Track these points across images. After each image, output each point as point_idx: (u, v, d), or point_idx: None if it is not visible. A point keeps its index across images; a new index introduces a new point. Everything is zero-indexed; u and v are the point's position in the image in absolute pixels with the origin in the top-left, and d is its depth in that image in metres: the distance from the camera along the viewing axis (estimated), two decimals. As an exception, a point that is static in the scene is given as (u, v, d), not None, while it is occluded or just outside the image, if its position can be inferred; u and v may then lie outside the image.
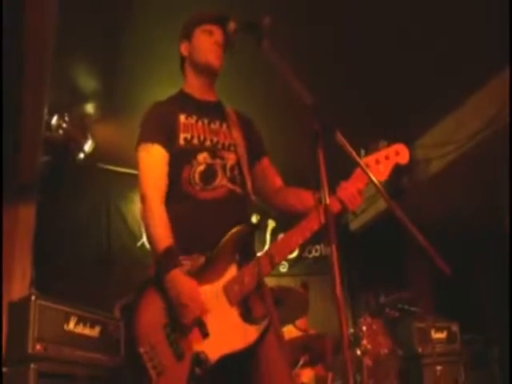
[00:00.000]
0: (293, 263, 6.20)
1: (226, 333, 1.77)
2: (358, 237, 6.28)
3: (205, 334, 1.77)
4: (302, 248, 6.28)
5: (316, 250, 6.40)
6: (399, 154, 2.01)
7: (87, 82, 4.40)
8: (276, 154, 2.35)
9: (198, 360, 1.72)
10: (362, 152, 1.99)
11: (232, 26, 1.97)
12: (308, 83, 1.67)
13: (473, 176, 5.07)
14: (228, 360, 1.74)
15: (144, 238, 5.19)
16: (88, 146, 4.76)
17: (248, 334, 1.77)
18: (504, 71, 4.31)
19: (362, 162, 1.92)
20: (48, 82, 3.52)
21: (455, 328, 4.60)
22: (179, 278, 1.79)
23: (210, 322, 1.78)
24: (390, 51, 4.02)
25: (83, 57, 4.13)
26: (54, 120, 4.44)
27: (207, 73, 2.15)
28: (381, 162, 1.99)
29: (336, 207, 1.91)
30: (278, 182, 2.21)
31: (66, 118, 4.51)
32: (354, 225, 6.52)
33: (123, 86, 4.39)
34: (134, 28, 3.80)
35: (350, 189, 1.94)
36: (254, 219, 4.79)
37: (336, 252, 1.47)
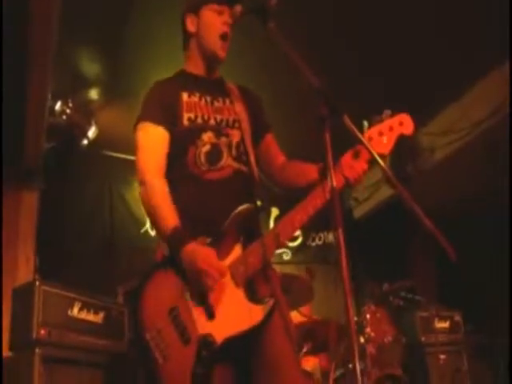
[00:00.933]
0: (296, 251, 6.19)
1: (231, 314, 1.77)
2: (362, 225, 6.27)
3: (211, 316, 1.76)
4: (306, 236, 6.29)
5: (320, 238, 6.38)
6: (403, 124, 1.95)
7: (91, 67, 4.37)
8: (281, 132, 2.32)
9: (205, 342, 1.72)
10: (365, 124, 1.94)
11: (238, 8, 1.95)
12: (316, 67, 1.66)
13: (477, 164, 5.07)
14: (234, 341, 1.73)
15: (148, 225, 5.23)
16: (92, 132, 4.75)
17: (253, 315, 1.75)
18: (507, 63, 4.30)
19: (365, 135, 1.90)
20: (51, 68, 3.50)
21: (458, 318, 4.61)
22: (196, 248, 1.78)
23: (216, 304, 1.77)
24: (395, 39, 3.98)
25: (86, 42, 4.09)
26: (58, 106, 4.43)
27: (213, 60, 2.12)
28: (384, 134, 1.93)
29: (340, 181, 1.87)
30: (281, 158, 2.18)
31: (70, 104, 4.50)
32: (358, 212, 6.52)
33: (127, 72, 4.37)
34: (137, 13, 3.77)
35: (352, 161, 1.91)
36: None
37: (342, 235, 1.45)
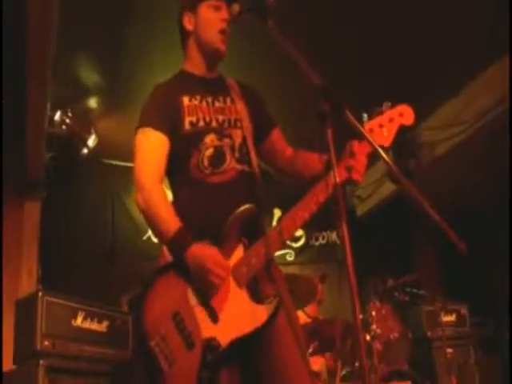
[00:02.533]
0: (300, 251, 6.18)
1: (236, 316, 1.75)
2: (365, 222, 6.28)
3: (215, 319, 1.75)
4: (309, 235, 6.28)
5: (323, 238, 6.36)
6: (403, 115, 1.95)
7: (90, 76, 4.37)
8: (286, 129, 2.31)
9: (210, 346, 1.71)
10: (365, 116, 1.93)
11: (236, 7, 1.93)
12: (315, 62, 1.66)
13: (479, 157, 5.04)
14: (239, 344, 1.72)
15: (150, 232, 5.23)
16: (92, 141, 4.77)
17: (258, 315, 1.74)
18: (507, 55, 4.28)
19: (366, 127, 1.90)
20: (50, 78, 3.50)
21: (464, 311, 4.61)
22: (201, 248, 1.77)
23: (220, 307, 1.76)
24: (395, 32, 3.96)
25: (86, 51, 4.10)
26: (57, 116, 4.43)
27: (214, 56, 2.10)
28: (384, 126, 1.93)
29: (342, 175, 1.88)
30: (289, 150, 2.16)
31: (69, 114, 4.51)
32: (361, 210, 6.53)
33: (126, 80, 4.36)
34: (136, 21, 3.78)
35: (354, 155, 1.91)
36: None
37: (347, 230, 1.45)
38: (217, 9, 2.04)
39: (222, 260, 1.77)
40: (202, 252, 1.76)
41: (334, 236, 6.26)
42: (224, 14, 2.03)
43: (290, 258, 6.08)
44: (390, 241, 5.92)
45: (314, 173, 1.98)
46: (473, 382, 4.15)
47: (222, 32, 2.04)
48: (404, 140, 5.20)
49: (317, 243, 6.32)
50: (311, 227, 6.26)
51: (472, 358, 4.25)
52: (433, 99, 4.89)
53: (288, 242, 6.05)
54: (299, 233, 6.18)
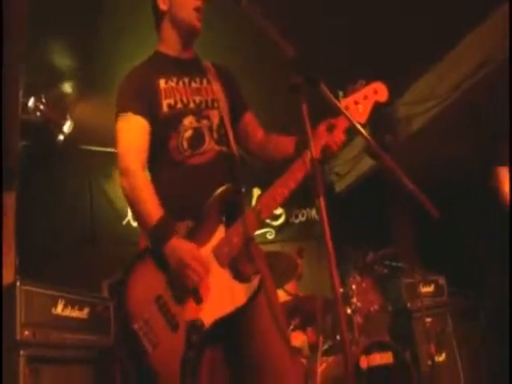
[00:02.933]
0: (280, 229, 6.22)
1: (218, 296, 1.78)
2: (344, 198, 6.34)
3: (198, 301, 1.77)
4: (289, 213, 6.32)
5: (303, 215, 6.40)
6: (378, 92, 2.01)
7: (64, 61, 4.28)
8: (260, 106, 2.36)
9: (194, 327, 1.74)
10: (340, 94, 1.97)
11: None
12: (292, 35, 1.67)
13: (453, 130, 5.07)
14: (223, 323, 1.75)
15: (129, 216, 5.23)
16: (67, 127, 4.70)
17: (240, 295, 1.77)
18: (483, 24, 4.30)
19: (342, 104, 1.92)
20: (23, 63, 3.43)
21: (442, 281, 4.69)
22: (179, 243, 1.78)
23: (203, 287, 1.79)
24: (369, 8, 3.94)
25: (59, 34, 4.01)
26: (31, 102, 4.35)
27: (189, 33, 2.09)
28: (360, 103, 1.98)
29: (318, 149, 1.92)
30: (260, 134, 2.20)
31: (43, 100, 4.43)
32: (339, 186, 6.59)
33: (102, 63, 4.28)
34: (112, 4, 3.70)
35: (334, 134, 1.95)
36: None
37: (324, 204, 1.48)
38: None
39: (199, 255, 1.79)
40: (181, 247, 1.78)
41: (313, 213, 6.31)
42: None
43: (270, 237, 6.12)
44: (368, 216, 5.98)
45: (286, 155, 2.01)
46: (450, 347, 4.26)
47: (197, 9, 2.04)
48: (380, 116, 5.24)
49: (297, 221, 6.36)
50: (291, 205, 6.30)
51: (449, 325, 4.35)
52: (408, 75, 4.91)
53: (268, 221, 6.10)
54: (279, 211, 6.22)
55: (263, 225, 6.03)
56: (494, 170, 3.67)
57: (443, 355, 4.13)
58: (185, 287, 1.77)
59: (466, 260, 5.63)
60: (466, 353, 4.29)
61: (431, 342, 3.79)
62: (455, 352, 4.21)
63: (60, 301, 3.02)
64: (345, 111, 1.79)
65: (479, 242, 5.64)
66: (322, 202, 1.48)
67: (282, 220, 6.26)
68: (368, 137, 1.71)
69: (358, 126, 1.71)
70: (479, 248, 5.58)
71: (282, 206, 6.16)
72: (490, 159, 3.74)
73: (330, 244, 1.45)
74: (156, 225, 1.80)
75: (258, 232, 5.90)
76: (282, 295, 3.68)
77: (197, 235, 1.84)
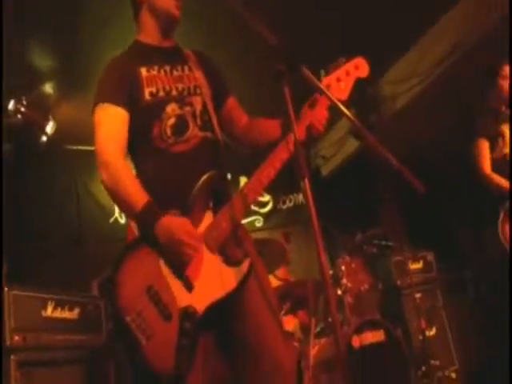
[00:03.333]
0: (268, 216, 6.26)
1: (210, 281, 1.79)
2: (330, 181, 6.38)
3: (190, 288, 1.77)
4: (276, 200, 6.36)
5: (290, 200, 6.43)
6: (359, 67, 2.03)
7: (44, 61, 4.25)
8: (245, 94, 2.37)
9: (187, 314, 1.74)
10: (322, 73, 1.99)
11: None
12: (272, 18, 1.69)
13: (440, 106, 5.09)
14: (215, 309, 1.76)
15: (116, 213, 5.24)
16: (50, 128, 4.68)
17: (231, 279, 1.78)
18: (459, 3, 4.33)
19: (323, 83, 1.95)
20: (1, 65, 3.41)
21: (430, 257, 4.73)
22: (170, 220, 1.78)
23: (194, 274, 1.79)
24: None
25: (38, 35, 3.97)
26: (11, 105, 4.33)
27: (168, 22, 2.08)
28: (342, 80, 1.99)
29: (303, 131, 1.93)
30: (245, 118, 2.19)
31: (24, 102, 4.40)
32: (326, 169, 6.63)
33: (82, 62, 4.24)
34: (90, 3, 3.68)
35: (314, 108, 1.97)
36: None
37: (309, 184, 1.51)
38: None
39: (192, 229, 1.79)
40: (172, 223, 1.77)
41: (300, 198, 6.33)
42: None
43: (258, 224, 6.15)
44: (355, 197, 6.03)
45: (272, 139, 2.01)
46: (441, 321, 4.32)
47: None
48: (365, 95, 5.27)
49: (284, 206, 6.40)
50: (278, 191, 6.34)
51: (439, 300, 4.41)
52: (391, 54, 4.93)
53: (256, 208, 6.13)
54: (266, 198, 6.26)
55: (251, 213, 6.08)
56: (474, 142, 3.72)
57: (434, 329, 4.20)
58: (178, 265, 1.77)
59: (452, 235, 5.71)
60: (456, 325, 4.35)
61: (421, 318, 3.86)
62: (445, 326, 4.28)
63: (49, 303, 2.99)
64: (327, 92, 1.82)
65: (461, 217, 5.72)
66: (306, 184, 1.51)
67: (269, 207, 6.29)
68: (351, 116, 1.73)
69: (341, 106, 1.74)
70: (461, 222, 5.66)
71: (270, 192, 6.20)
72: (468, 133, 3.81)
73: (316, 223, 1.48)
74: (143, 208, 1.79)
75: (247, 220, 5.97)
76: (273, 281, 3.71)
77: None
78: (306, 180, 1.53)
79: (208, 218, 1.86)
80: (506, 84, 3.65)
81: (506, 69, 3.66)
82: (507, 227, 3.59)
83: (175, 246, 1.75)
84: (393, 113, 5.32)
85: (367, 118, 5.32)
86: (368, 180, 6.19)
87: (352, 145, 5.96)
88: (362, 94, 5.13)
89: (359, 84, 2.04)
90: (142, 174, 1.95)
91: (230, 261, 1.84)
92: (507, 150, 3.66)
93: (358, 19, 4.25)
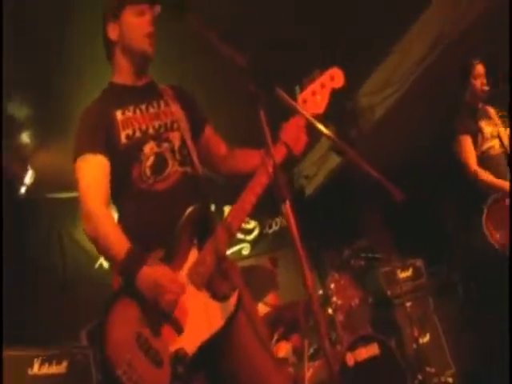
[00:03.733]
0: (255, 243, 6.24)
1: (199, 320, 1.76)
2: (315, 199, 6.41)
3: (180, 331, 1.75)
4: (262, 225, 6.35)
5: (276, 224, 6.42)
6: (334, 78, 2.00)
7: (21, 110, 4.23)
8: (220, 120, 2.37)
9: (178, 358, 1.71)
10: (297, 89, 1.98)
11: (158, 8, 1.97)
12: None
13: (420, 111, 5.11)
14: (206, 347, 1.74)
15: (101, 259, 5.19)
16: (29, 178, 4.62)
17: (219, 315, 1.77)
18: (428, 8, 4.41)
19: (299, 99, 1.95)
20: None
21: (419, 263, 4.76)
22: (151, 269, 1.76)
23: (182, 315, 1.76)
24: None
25: (14, 87, 3.94)
26: (-13, 159, 4.30)
27: (142, 60, 2.07)
28: (317, 93, 1.98)
29: (282, 152, 1.92)
30: (223, 148, 2.19)
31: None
32: (310, 189, 6.66)
33: (58, 108, 4.22)
34: (67, 49, 3.70)
35: (291, 128, 1.96)
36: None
37: (290, 206, 1.51)
38: (140, 13, 2.04)
39: (174, 276, 1.77)
40: (154, 272, 1.76)
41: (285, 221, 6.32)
42: (148, 17, 2.04)
43: (245, 252, 6.12)
44: (340, 212, 6.05)
45: (252, 167, 1.97)
46: (434, 326, 4.33)
47: (149, 35, 2.03)
48: (343, 110, 5.31)
49: (270, 231, 6.38)
50: (263, 216, 6.34)
51: (431, 305, 4.41)
52: (367, 66, 4.96)
53: (242, 236, 6.12)
54: (252, 225, 6.26)
55: (237, 241, 6.05)
56: (455, 140, 3.78)
57: (427, 336, 4.21)
58: (164, 313, 1.74)
59: (440, 238, 5.75)
60: (448, 327, 4.35)
61: (414, 326, 3.88)
62: (439, 330, 4.29)
63: (35, 360, 2.92)
64: (303, 112, 1.83)
65: (448, 218, 5.77)
66: (287, 207, 1.53)
67: (255, 233, 6.28)
68: (327, 132, 1.76)
69: (317, 124, 1.77)
70: (448, 224, 5.70)
71: (255, 218, 6.20)
72: (451, 132, 3.86)
73: (299, 247, 1.49)
74: (124, 258, 1.77)
75: (233, 249, 5.96)
76: (263, 308, 3.71)
77: (170, 262, 1.81)
78: (287, 202, 1.54)
79: (193, 255, 1.84)
80: (478, 83, 3.74)
81: (478, 68, 3.75)
82: (490, 223, 3.63)
83: (158, 294, 1.74)
84: (372, 124, 5.34)
85: (347, 133, 5.35)
86: (351, 194, 6.24)
87: (333, 161, 5.98)
88: (340, 110, 5.18)
89: (338, 99, 2.03)
90: (125, 217, 1.96)
91: (218, 296, 1.81)
92: (486, 146, 3.72)
93: (334, 33, 4.24)
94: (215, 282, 1.84)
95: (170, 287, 1.74)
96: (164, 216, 1.88)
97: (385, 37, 4.53)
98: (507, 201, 3.54)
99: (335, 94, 2.02)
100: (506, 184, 3.56)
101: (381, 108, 5.15)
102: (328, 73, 2.02)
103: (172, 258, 1.82)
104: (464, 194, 3.96)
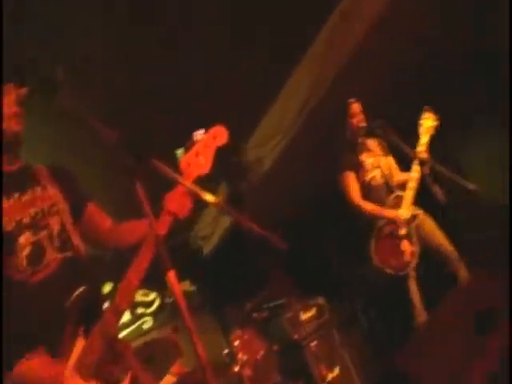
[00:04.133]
0: (157, 314, 6.15)
1: None
2: (213, 258, 6.45)
3: None
4: (161, 296, 6.27)
5: (175, 291, 6.37)
6: (217, 136, 2.01)
7: None
8: (103, 194, 2.34)
9: None
10: (178, 153, 1.97)
11: (24, 91, 1.91)
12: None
13: (309, 155, 5.24)
14: None
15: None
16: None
17: None
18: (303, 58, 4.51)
19: (182, 163, 1.95)
20: None
21: (322, 301, 4.79)
22: (27, 363, 1.69)
23: None
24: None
25: None
26: None
27: (12, 143, 1.97)
28: (200, 153, 1.98)
29: (166, 222, 1.89)
30: (108, 222, 2.15)
31: None
32: (207, 248, 6.70)
33: None
34: None
35: (174, 197, 1.94)
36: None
37: (175, 277, 1.51)
38: (6, 93, 1.94)
39: (52, 368, 1.70)
40: (30, 366, 1.68)
41: (187, 285, 6.32)
42: (12, 96, 1.94)
43: (148, 326, 6.00)
44: (239, 268, 6.09)
45: (141, 236, 1.93)
46: (343, 359, 4.34)
47: (15, 115, 1.94)
48: (232, 166, 5.43)
49: (171, 300, 6.26)
50: (161, 286, 6.18)
51: (337, 340, 4.45)
52: (251, 119, 5.00)
53: (142, 310, 5.98)
54: (151, 296, 6.16)
55: (137, 317, 5.90)
56: (340, 177, 4.00)
57: (337, 370, 4.23)
58: None
59: (337, 273, 5.97)
60: (357, 358, 4.41)
61: (321, 364, 3.94)
62: (347, 362, 4.32)
63: None
64: (184, 181, 1.84)
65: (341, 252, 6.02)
66: (171, 277, 1.52)
67: (156, 304, 6.20)
68: (208, 197, 1.77)
69: (197, 190, 1.78)
70: (342, 257, 5.94)
71: (154, 289, 6.12)
72: (335, 170, 4.08)
73: (186, 314, 1.50)
74: None
75: (133, 327, 5.80)
76: (170, 379, 3.64)
77: (54, 357, 1.73)
78: (171, 273, 1.53)
79: (80, 345, 1.76)
80: (355, 121, 3.99)
81: (354, 107, 4.00)
82: (379, 251, 3.83)
83: None
84: (261, 176, 5.42)
85: (238, 188, 5.45)
86: (247, 249, 6.33)
87: (226, 220, 6.07)
88: (228, 166, 5.28)
89: (225, 155, 2.02)
90: (7, 315, 1.82)
91: (110, 382, 1.75)
92: (369, 177, 3.95)
93: (218, 88, 4.26)
94: (106, 368, 1.77)
95: (49, 377, 1.66)
96: (44, 309, 1.79)
97: (268, 86, 4.60)
98: (390, 227, 3.75)
99: (223, 151, 2.03)
100: (389, 212, 3.77)
101: (269, 158, 5.25)
102: (210, 132, 2.03)
103: (56, 352, 1.73)
104: (349, 229, 4.17)
